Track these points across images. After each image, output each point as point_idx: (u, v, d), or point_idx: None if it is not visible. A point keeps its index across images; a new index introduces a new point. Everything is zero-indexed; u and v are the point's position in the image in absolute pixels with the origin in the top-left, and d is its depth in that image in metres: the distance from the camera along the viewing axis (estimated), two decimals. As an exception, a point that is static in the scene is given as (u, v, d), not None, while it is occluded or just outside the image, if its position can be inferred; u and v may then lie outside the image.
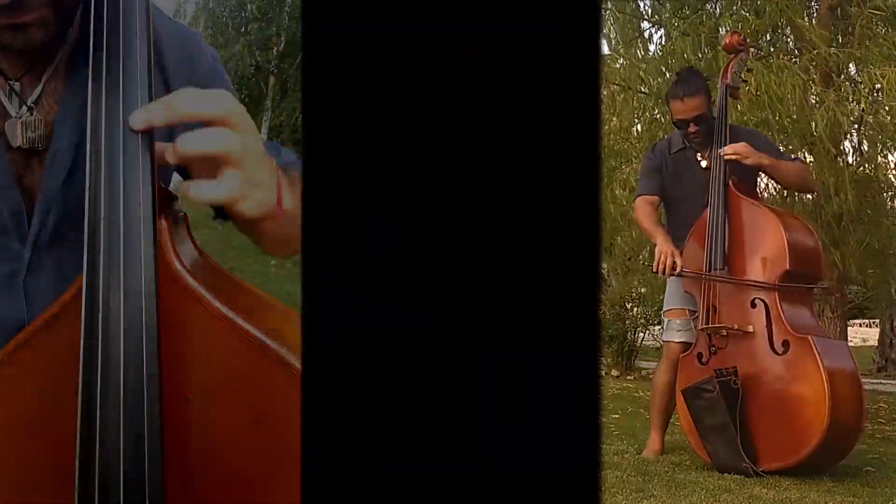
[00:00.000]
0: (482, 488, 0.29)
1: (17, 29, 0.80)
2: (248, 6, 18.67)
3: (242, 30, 18.75)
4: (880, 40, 5.59)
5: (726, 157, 3.43)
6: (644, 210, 3.67)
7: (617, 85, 6.36)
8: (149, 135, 0.79)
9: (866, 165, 6.57)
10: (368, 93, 0.30)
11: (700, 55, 6.27)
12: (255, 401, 0.80)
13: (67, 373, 0.79)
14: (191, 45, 1.02)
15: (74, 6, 0.85)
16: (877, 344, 10.60)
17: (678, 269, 3.45)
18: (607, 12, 7.17)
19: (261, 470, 0.80)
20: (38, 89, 0.89)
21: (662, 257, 3.45)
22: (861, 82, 5.54)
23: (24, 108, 0.88)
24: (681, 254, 3.59)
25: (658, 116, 6.56)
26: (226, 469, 0.80)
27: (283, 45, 18.92)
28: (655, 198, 3.70)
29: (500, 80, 0.29)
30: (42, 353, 0.81)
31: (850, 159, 6.60)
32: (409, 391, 0.30)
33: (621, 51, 7.52)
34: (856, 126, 6.55)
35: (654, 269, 3.52)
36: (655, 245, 3.55)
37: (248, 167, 0.79)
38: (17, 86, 0.88)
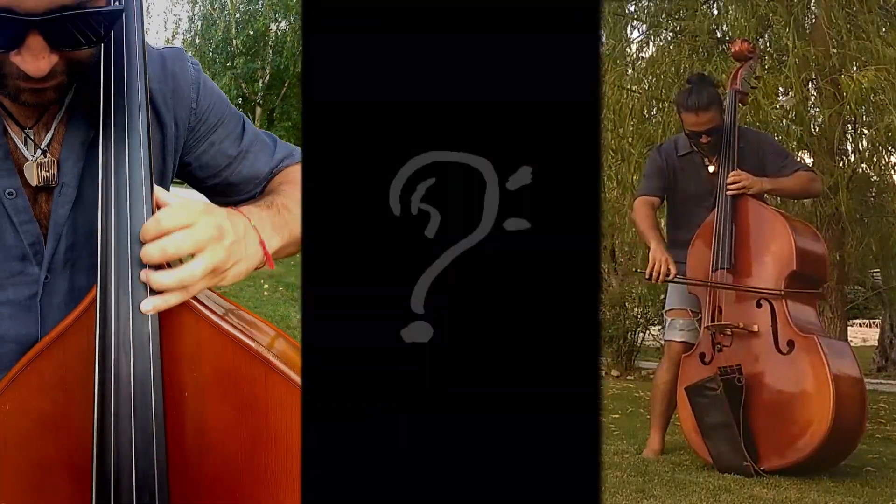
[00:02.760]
0: (483, 487, 0.30)
1: (37, 92, 0.93)
2: (234, 41, 19.24)
3: (229, 64, 19.40)
4: (878, 39, 5.60)
5: (729, 192, 3.50)
6: (643, 211, 3.68)
7: (613, 85, 6.37)
8: (150, 172, 0.95)
9: (864, 166, 6.57)
10: (368, 96, 0.30)
11: (695, 56, 6.27)
12: (239, 391, 0.94)
13: (79, 375, 0.93)
14: (172, 63, 1.12)
15: (87, 69, 0.96)
16: (877, 344, 10.60)
17: (672, 276, 3.47)
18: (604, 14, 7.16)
19: (248, 450, 0.93)
20: (49, 134, 1.03)
21: (657, 265, 3.47)
22: (859, 81, 5.54)
23: (39, 151, 1.01)
24: (686, 255, 3.61)
25: (654, 115, 6.57)
26: (218, 452, 0.94)
27: (268, 77, 19.60)
28: (656, 199, 3.72)
29: (501, 81, 0.29)
30: (57, 360, 0.94)
31: (847, 160, 6.60)
32: (409, 393, 0.30)
33: (617, 50, 7.53)
34: (854, 126, 6.56)
35: (648, 276, 3.53)
36: (649, 249, 3.57)
37: (220, 255, 0.94)
38: (31, 133, 1.02)
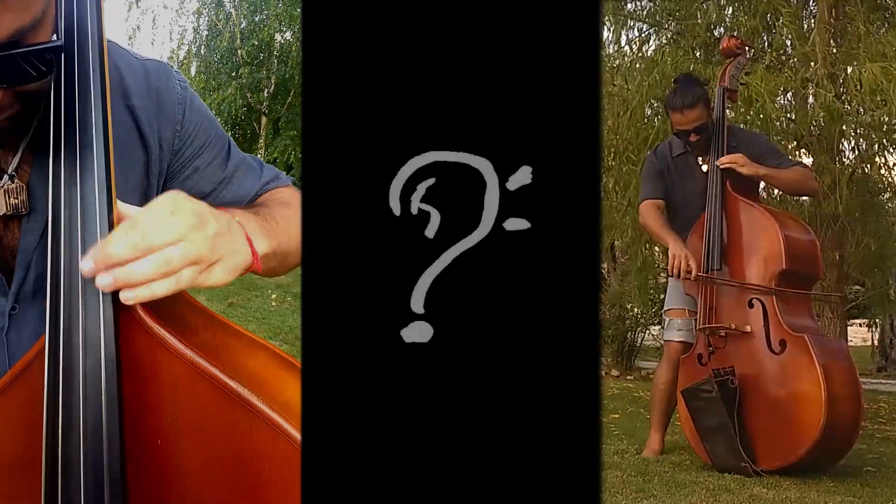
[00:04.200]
0: (484, 487, 0.30)
1: None
2: (239, 52, 19.27)
3: (234, 74, 19.42)
4: (881, 39, 5.60)
5: (722, 167, 3.50)
6: (651, 214, 3.68)
7: (613, 85, 6.38)
8: (108, 196, 0.85)
9: (864, 166, 6.58)
10: (368, 97, 0.30)
11: (694, 56, 6.29)
12: (220, 439, 0.81)
13: (36, 419, 0.81)
14: (157, 78, 1.05)
15: (42, 97, 0.90)
16: (877, 344, 10.61)
17: (694, 273, 3.45)
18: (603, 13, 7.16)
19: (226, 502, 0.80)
20: (17, 159, 0.96)
21: (676, 260, 3.47)
22: (857, 81, 5.55)
23: (6, 176, 0.95)
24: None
25: (653, 115, 6.58)
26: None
27: (273, 87, 19.67)
28: (661, 201, 3.73)
29: (501, 81, 0.29)
30: (19, 398, 0.83)
31: (847, 160, 6.61)
32: (409, 392, 0.30)
33: (614, 50, 7.54)
34: (853, 125, 6.56)
35: (670, 272, 3.54)
36: (668, 248, 3.57)
37: (205, 258, 0.84)
38: None
